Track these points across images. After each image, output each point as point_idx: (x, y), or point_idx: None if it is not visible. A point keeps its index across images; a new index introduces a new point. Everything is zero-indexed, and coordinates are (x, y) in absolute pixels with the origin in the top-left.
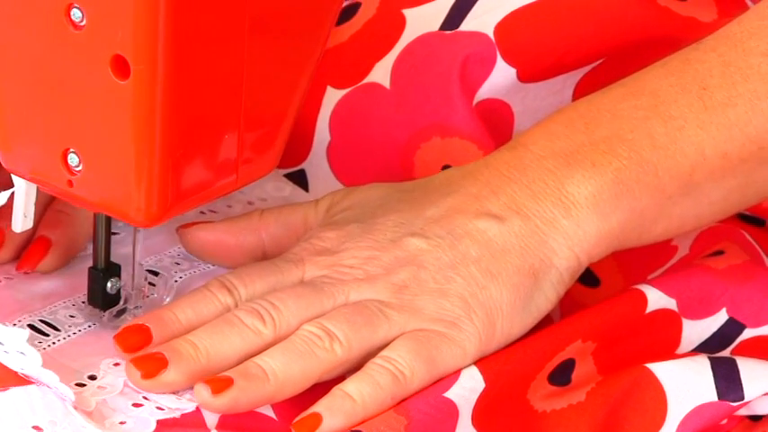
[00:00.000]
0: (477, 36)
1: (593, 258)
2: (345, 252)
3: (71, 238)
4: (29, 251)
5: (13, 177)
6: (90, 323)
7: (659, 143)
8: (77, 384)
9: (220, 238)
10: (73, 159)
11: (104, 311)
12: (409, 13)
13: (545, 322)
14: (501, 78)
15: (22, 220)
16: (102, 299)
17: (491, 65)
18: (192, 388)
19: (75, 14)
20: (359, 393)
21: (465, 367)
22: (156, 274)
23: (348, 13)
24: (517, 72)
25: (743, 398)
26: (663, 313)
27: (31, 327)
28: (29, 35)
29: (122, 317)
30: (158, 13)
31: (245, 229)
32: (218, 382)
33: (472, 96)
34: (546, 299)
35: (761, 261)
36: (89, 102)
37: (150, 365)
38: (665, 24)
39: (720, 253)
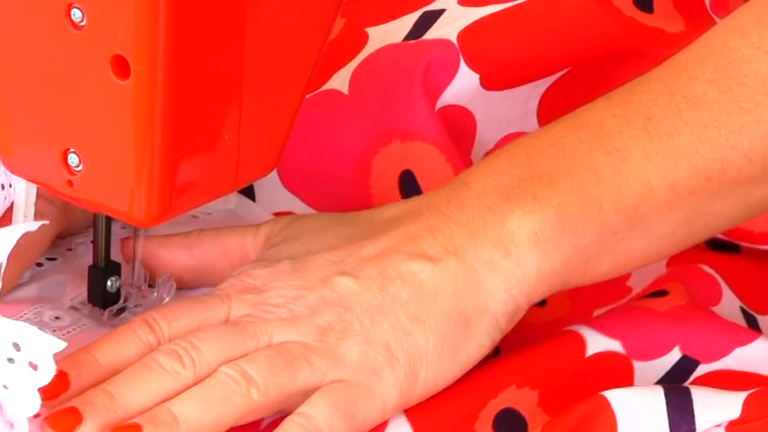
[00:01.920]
0: (441, 42)
1: (533, 300)
2: (273, 291)
3: (12, 271)
4: None
5: (13, 177)
6: None
7: (603, 176)
8: None
9: (155, 251)
10: (73, 159)
11: (104, 310)
12: (372, 30)
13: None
14: (464, 84)
15: (22, 221)
16: (102, 297)
17: (454, 70)
18: None
19: (76, 14)
20: None
21: (392, 417)
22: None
23: None
24: (480, 78)
25: (694, 429)
26: (608, 356)
27: None
28: (29, 35)
29: (122, 315)
30: (158, 13)
31: (180, 245)
32: (127, 430)
33: (435, 101)
34: (479, 345)
35: (716, 295)
36: (89, 102)
37: (65, 422)
38: (631, 35)
39: (663, 293)
